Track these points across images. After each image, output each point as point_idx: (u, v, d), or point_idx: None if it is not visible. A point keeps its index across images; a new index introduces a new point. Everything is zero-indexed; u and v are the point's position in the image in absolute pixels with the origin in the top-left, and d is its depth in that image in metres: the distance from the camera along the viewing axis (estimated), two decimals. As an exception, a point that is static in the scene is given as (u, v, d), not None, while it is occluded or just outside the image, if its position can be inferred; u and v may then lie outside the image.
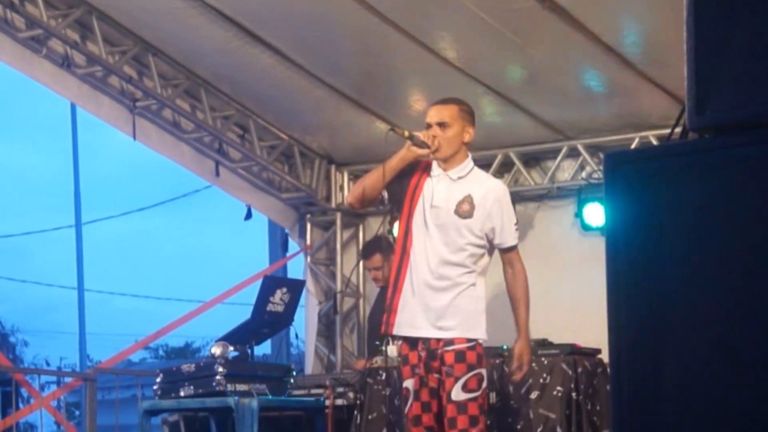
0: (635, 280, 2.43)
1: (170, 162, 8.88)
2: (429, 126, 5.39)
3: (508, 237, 5.43)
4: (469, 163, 5.47)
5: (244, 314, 7.18)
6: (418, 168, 5.48)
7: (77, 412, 19.52)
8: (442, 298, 5.30)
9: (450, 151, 5.38)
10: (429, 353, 5.31)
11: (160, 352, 33.64)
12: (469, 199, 5.35)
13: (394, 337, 5.49)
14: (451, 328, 5.30)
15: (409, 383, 5.37)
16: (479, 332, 5.35)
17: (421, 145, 5.33)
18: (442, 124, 5.37)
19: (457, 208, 5.34)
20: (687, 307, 2.38)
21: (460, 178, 5.41)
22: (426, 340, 5.33)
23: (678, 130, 2.64)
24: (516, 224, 5.51)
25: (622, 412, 2.44)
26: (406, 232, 5.41)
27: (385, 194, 5.50)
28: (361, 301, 9.55)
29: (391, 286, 5.45)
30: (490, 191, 5.41)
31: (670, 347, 2.39)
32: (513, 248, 5.47)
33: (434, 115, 5.42)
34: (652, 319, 2.41)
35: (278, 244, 10.32)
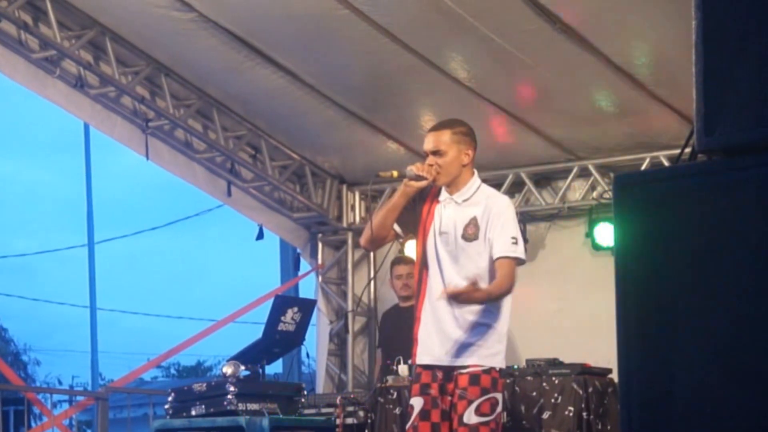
0: (644, 301, 2.44)
1: (182, 181, 8.92)
2: (426, 154, 5.34)
3: (497, 248, 5.18)
4: (474, 183, 5.36)
5: (256, 333, 7.20)
6: (429, 194, 5.41)
7: (89, 431, 19.53)
8: (459, 327, 5.23)
9: (449, 177, 5.30)
10: (445, 375, 5.28)
11: (172, 371, 33.68)
12: (474, 221, 5.26)
13: (416, 366, 5.46)
14: (466, 354, 5.22)
15: (415, 401, 5.32)
16: (496, 360, 5.26)
17: (417, 178, 5.25)
18: (437, 152, 5.28)
19: (464, 232, 5.26)
20: (696, 327, 2.39)
21: (465, 200, 5.32)
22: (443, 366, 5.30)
23: (687, 151, 2.65)
24: (514, 239, 5.22)
25: (632, 431, 2.45)
26: (423, 261, 5.35)
27: (398, 229, 5.42)
28: (372, 321, 9.56)
29: (414, 315, 5.43)
30: (490, 208, 5.28)
31: (680, 366, 2.40)
32: (502, 259, 5.18)
33: (429, 143, 5.33)
34: (661, 338, 2.42)
35: (290, 264, 10.34)
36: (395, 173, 5.34)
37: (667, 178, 2.57)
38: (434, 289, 5.28)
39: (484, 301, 5.19)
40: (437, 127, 5.42)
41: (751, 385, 2.31)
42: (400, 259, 8.12)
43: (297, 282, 10.19)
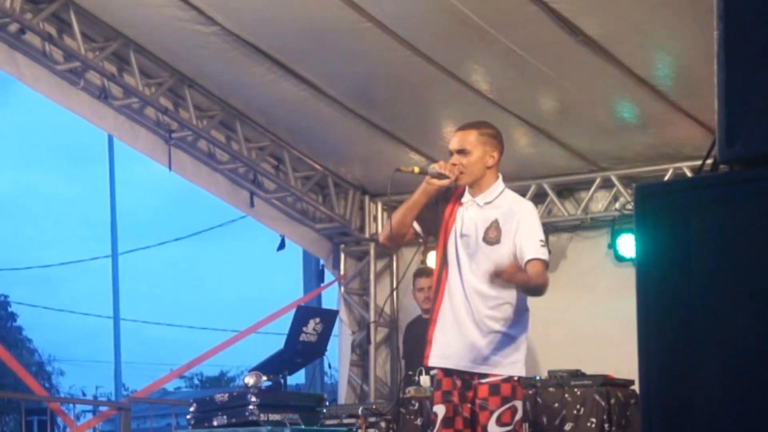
0: (665, 311, 2.44)
1: (206, 192, 8.95)
2: (451, 153, 5.30)
3: (528, 250, 5.12)
4: (497, 187, 5.32)
5: (278, 344, 7.20)
6: (452, 196, 5.38)
7: (112, 442, 19.56)
8: (478, 332, 5.22)
9: (472, 177, 5.26)
10: (464, 383, 5.26)
11: (195, 381, 33.75)
12: (495, 225, 5.22)
13: (430, 369, 5.45)
14: (488, 363, 5.21)
15: (438, 408, 5.30)
16: (515, 369, 5.23)
17: (439, 176, 5.22)
18: (462, 152, 5.25)
19: (485, 235, 5.22)
20: (718, 338, 2.39)
21: (487, 203, 5.28)
22: (461, 371, 5.29)
23: (709, 162, 2.65)
24: (542, 241, 5.21)
25: (653, 442, 2.44)
26: (442, 263, 5.32)
27: (418, 228, 5.40)
28: (394, 332, 9.56)
29: (430, 317, 5.43)
30: (513, 213, 5.25)
31: (702, 377, 2.40)
32: (535, 260, 5.14)
33: (454, 142, 5.31)
34: (682, 349, 2.42)
35: (313, 274, 10.35)
36: (417, 169, 5.32)
37: (688, 188, 2.58)
38: (454, 291, 5.25)
39: (523, 284, 5.10)
40: (464, 127, 5.38)
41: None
42: (422, 272, 8.09)
43: (320, 292, 10.21)
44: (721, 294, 2.38)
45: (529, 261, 5.17)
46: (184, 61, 7.96)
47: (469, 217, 5.29)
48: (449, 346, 5.26)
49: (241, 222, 16.18)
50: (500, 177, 5.37)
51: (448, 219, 5.33)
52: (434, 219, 5.37)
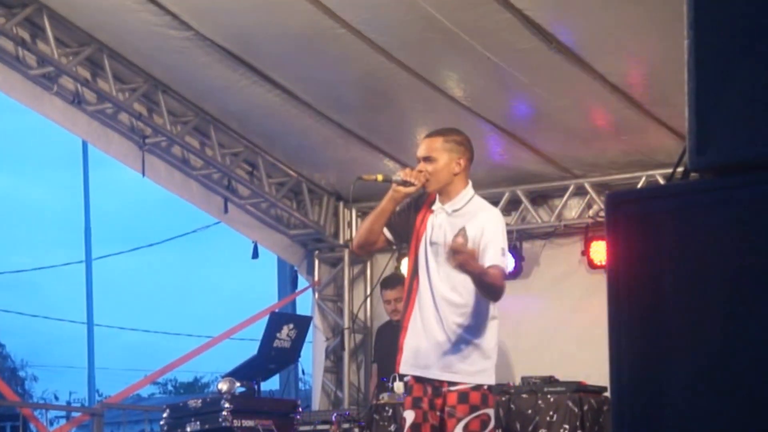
0: (636, 318, 2.45)
1: (180, 198, 8.92)
2: (419, 160, 5.30)
3: (488, 257, 5.09)
4: (466, 194, 5.31)
5: (253, 350, 7.20)
6: (424, 203, 5.39)
7: (84, 448, 19.45)
8: (447, 340, 5.22)
9: (439, 184, 5.26)
10: (434, 390, 5.26)
11: (169, 387, 33.62)
12: (463, 233, 5.19)
13: (403, 375, 5.45)
14: (455, 372, 5.20)
15: (407, 414, 5.30)
16: (484, 377, 5.22)
17: (404, 184, 5.21)
18: (428, 159, 5.25)
19: (453, 243, 5.14)
20: (687, 344, 2.40)
21: (455, 211, 5.28)
22: (431, 379, 5.28)
23: (680, 170, 2.66)
24: (503, 249, 5.18)
25: (623, 449, 2.45)
26: (413, 270, 5.32)
27: (389, 235, 5.39)
28: (368, 338, 9.56)
29: (401, 324, 5.42)
30: (480, 221, 5.23)
31: (671, 382, 2.41)
32: (493, 267, 5.09)
33: (421, 149, 5.32)
34: (652, 355, 2.43)
35: (287, 280, 10.35)
36: (380, 177, 5.32)
37: (658, 196, 2.59)
38: (423, 298, 5.25)
39: (477, 274, 5.04)
40: (431, 134, 5.38)
41: (743, 401, 2.32)
42: (388, 283, 7.95)
43: (294, 298, 10.20)
44: (690, 300, 2.40)
45: (489, 267, 5.13)
46: (158, 66, 7.95)
47: (438, 224, 5.29)
48: (419, 354, 5.26)
49: (215, 228, 16.13)
50: (469, 184, 5.36)
51: (419, 226, 5.33)
52: (406, 226, 5.37)
